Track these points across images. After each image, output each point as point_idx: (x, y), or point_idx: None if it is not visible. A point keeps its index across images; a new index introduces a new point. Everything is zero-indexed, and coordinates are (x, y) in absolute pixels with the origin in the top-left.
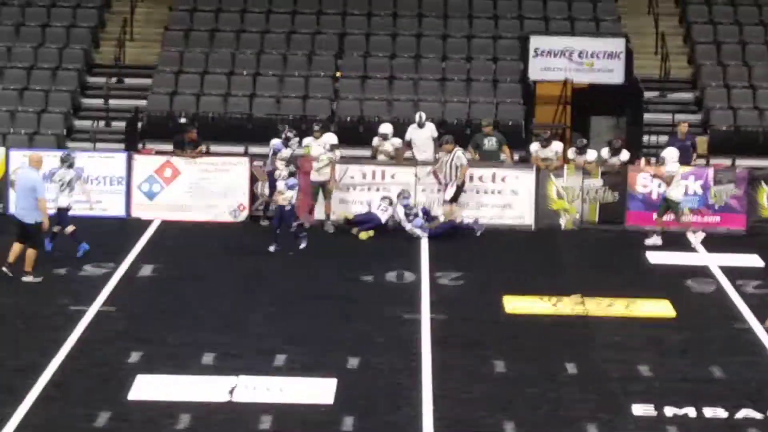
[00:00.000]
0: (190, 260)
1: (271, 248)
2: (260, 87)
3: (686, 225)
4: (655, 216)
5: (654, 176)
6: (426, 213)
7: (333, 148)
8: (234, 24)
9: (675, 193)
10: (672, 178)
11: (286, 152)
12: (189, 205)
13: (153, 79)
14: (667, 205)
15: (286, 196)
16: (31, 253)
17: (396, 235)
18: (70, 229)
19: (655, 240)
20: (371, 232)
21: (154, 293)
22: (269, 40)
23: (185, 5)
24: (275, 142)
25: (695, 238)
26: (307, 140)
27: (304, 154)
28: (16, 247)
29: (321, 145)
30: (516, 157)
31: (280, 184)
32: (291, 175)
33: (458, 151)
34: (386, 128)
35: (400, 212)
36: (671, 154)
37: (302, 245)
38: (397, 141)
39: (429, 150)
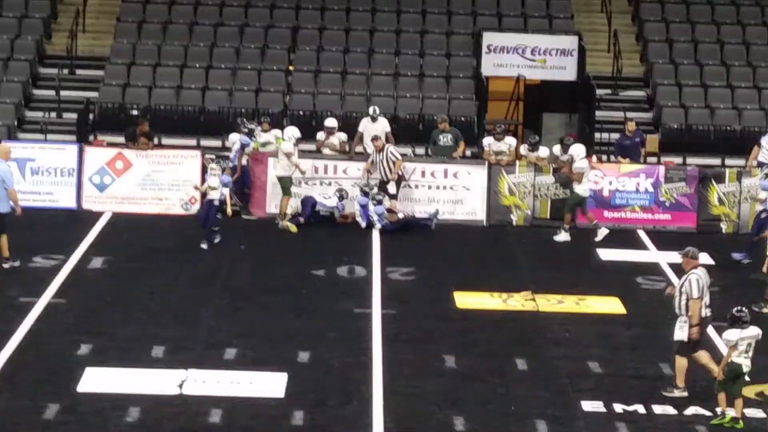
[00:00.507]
0: (141, 253)
1: (204, 245)
2: (213, 80)
3: (590, 219)
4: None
5: (563, 173)
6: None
7: (298, 141)
8: (187, 16)
9: (582, 188)
10: (581, 175)
11: (253, 145)
12: (140, 197)
13: (105, 71)
14: (573, 200)
15: (222, 191)
16: None
17: (347, 230)
18: None
19: (564, 236)
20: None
21: (104, 286)
22: (222, 33)
23: None
24: (239, 137)
25: (599, 234)
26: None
27: (255, 148)
28: None
29: (288, 140)
30: (468, 152)
31: (214, 180)
32: (224, 171)
33: (390, 147)
34: (331, 122)
35: (356, 206)
36: (579, 150)
37: (216, 239)
38: (343, 135)
39: None
